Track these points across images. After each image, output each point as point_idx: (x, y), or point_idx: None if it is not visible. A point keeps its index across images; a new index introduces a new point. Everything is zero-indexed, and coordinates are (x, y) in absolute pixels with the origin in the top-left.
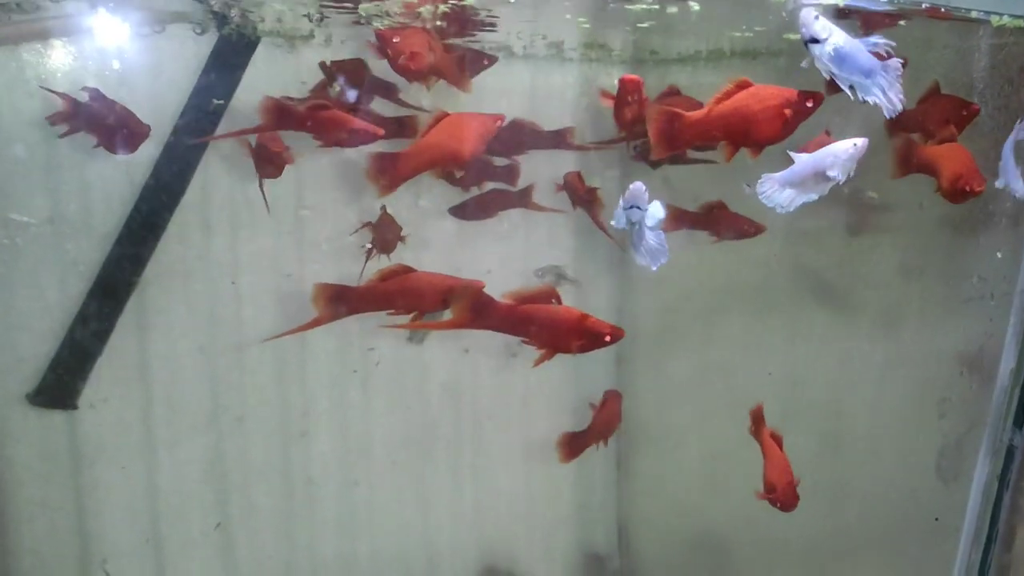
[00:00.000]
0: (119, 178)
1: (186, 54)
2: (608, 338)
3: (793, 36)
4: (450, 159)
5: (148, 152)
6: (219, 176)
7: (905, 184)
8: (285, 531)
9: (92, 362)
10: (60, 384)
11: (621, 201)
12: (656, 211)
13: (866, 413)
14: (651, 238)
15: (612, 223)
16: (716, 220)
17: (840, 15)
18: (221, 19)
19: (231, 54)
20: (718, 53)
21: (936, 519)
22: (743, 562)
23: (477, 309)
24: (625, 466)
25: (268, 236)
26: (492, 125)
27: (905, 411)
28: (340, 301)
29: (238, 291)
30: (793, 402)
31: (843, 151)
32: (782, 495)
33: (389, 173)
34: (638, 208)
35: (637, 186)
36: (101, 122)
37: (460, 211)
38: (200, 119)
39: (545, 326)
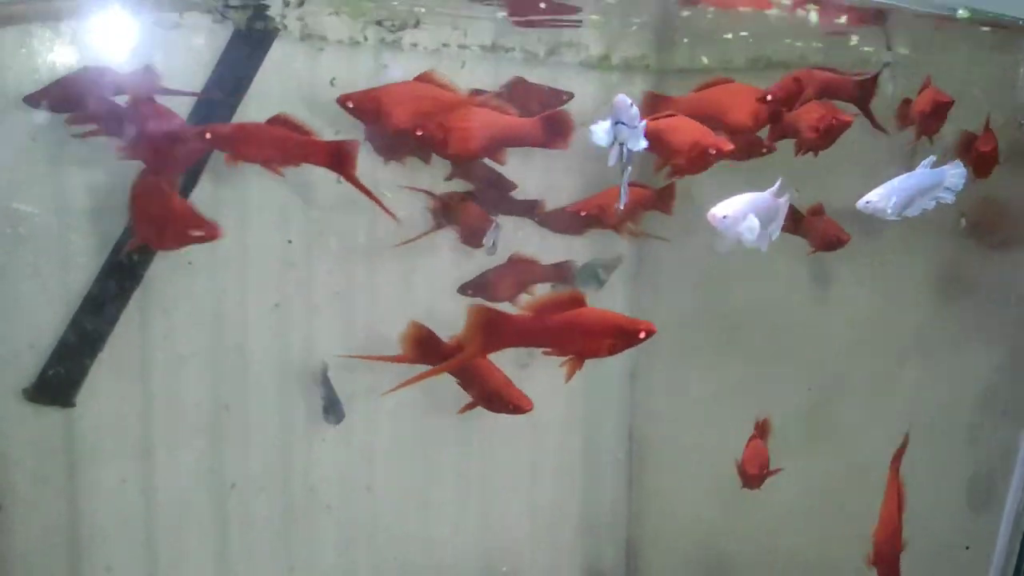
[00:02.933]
0: (126, 170)
1: (198, 46)
2: (643, 335)
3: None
4: (729, 125)
5: None
6: (229, 173)
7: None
8: (284, 539)
9: (92, 359)
10: (58, 380)
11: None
12: (643, 131)
13: (896, 439)
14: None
15: (593, 140)
16: (814, 226)
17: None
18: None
19: (246, 49)
20: (753, 63)
21: (967, 548)
22: None
23: (491, 330)
24: (637, 484)
25: (277, 234)
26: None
27: (935, 436)
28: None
29: (244, 290)
30: (817, 423)
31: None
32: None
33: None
34: (623, 124)
35: (622, 99)
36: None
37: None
38: (211, 117)
39: (572, 333)
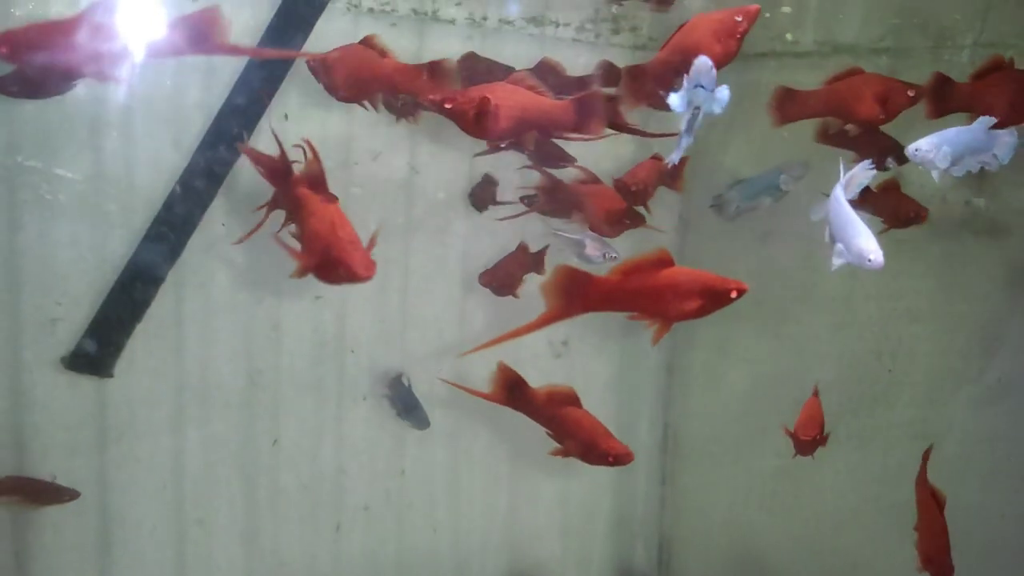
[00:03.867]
0: (166, 141)
1: (244, 14)
2: (734, 294)
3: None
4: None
5: (199, 119)
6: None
7: (1013, 187)
8: (312, 520)
9: (131, 330)
10: (97, 350)
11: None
12: (723, 96)
13: (955, 436)
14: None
15: (671, 103)
16: (888, 202)
17: None
18: None
19: (297, 15)
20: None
21: None
22: None
23: (574, 292)
24: (672, 481)
25: None
26: None
27: (998, 431)
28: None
29: (281, 269)
30: (872, 421)
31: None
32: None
33: None
34: (703, 88)
35: (703, 61)
36: None
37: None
38: (259, 85)
39: (658, 294)
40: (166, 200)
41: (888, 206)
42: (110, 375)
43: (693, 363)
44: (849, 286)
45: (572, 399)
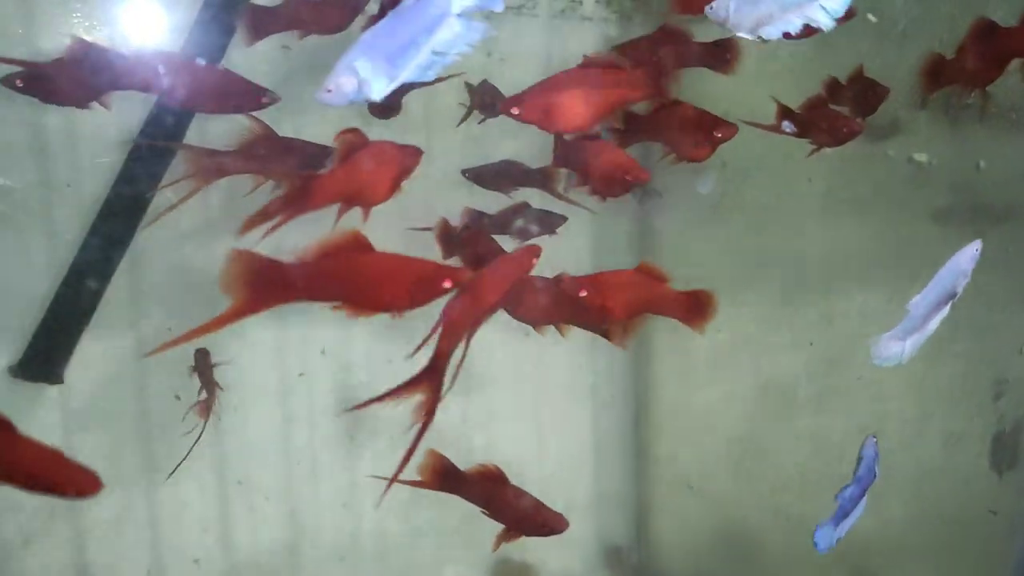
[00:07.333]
0: (109, 140)
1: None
2: (448, 283)
3: None
4: None
5: (137, 115)
6: (214, 135)
7: (960, 143)
8: (288, 512)
9: (78, 334)
10: (44, 357)
11: None
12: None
13: (913, 395)
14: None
15: None
16: (817, 120)
17: None
18: None
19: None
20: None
21: (993, 512)
22: (773, 555)
23: (259, 281)
24: (645, 452)
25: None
26: None
27: (957, 393)
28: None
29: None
30: (829, 382)
31: (967, 260)
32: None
33: None
34: None
35: None
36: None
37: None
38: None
39: (362, 282)
40: (107, 199)
41: (818, 124)
42: (59, 381)
43: (657, 331)
44: (798, 247)
45: (500, 478)
